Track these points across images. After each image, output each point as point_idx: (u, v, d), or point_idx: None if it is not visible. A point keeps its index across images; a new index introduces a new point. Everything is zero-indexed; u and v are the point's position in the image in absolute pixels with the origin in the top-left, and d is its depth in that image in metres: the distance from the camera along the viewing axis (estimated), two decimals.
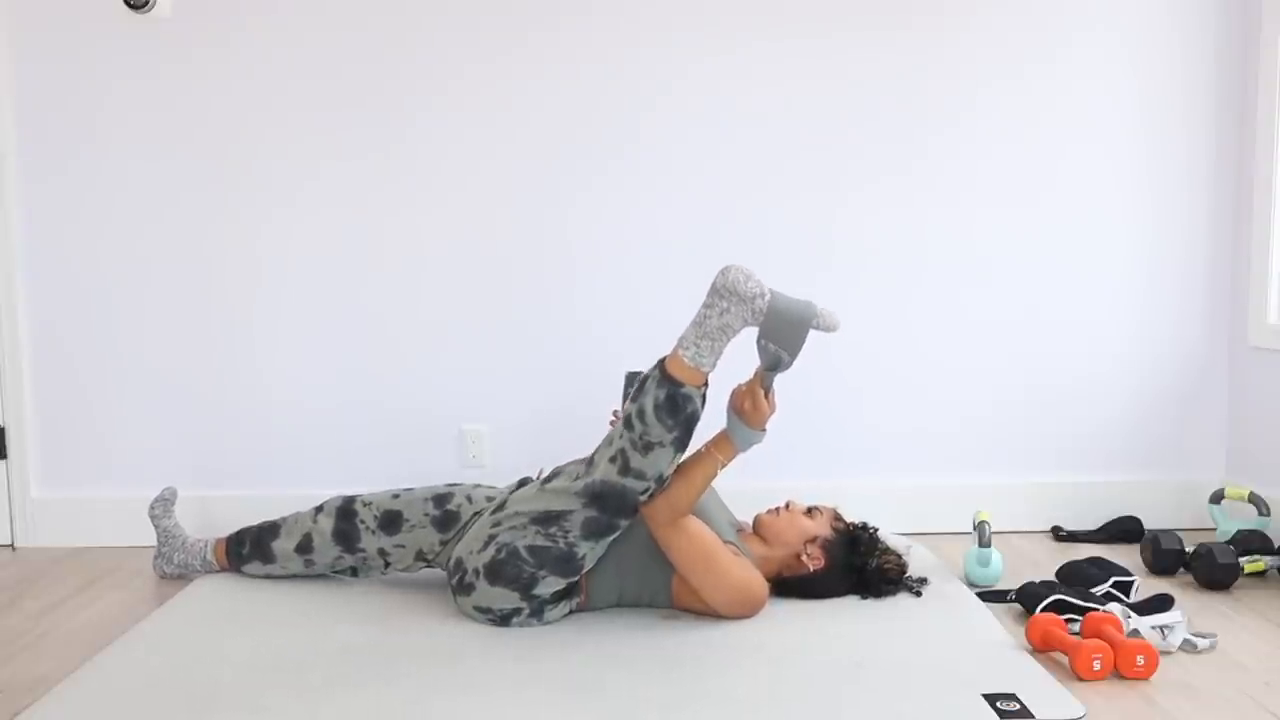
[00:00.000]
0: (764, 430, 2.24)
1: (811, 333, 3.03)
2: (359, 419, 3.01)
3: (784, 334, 2.14)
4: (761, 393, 2.21)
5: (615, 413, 2.51)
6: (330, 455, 3.01)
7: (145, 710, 1.86)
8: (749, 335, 2.21)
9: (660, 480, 2.18)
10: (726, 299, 2.13)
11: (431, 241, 2.99)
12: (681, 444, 2.16)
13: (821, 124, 3.01)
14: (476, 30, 2.94)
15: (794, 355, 2.16)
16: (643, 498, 2.19)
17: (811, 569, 2.38)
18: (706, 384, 2.17)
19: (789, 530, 2.40)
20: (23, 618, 2.39)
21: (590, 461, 2.25)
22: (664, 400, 2.13)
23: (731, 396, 2.25)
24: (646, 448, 2.14)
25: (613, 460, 2.17)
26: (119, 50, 2.88)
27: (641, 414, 2.14)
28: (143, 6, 2.83)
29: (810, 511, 2.44)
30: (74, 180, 2.92)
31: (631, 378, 2.48)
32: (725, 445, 2.24)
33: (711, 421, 2.29)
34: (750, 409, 2.21)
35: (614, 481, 2.17)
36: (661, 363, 2.17)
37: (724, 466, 2.25)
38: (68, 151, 2.91)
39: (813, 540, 2.39)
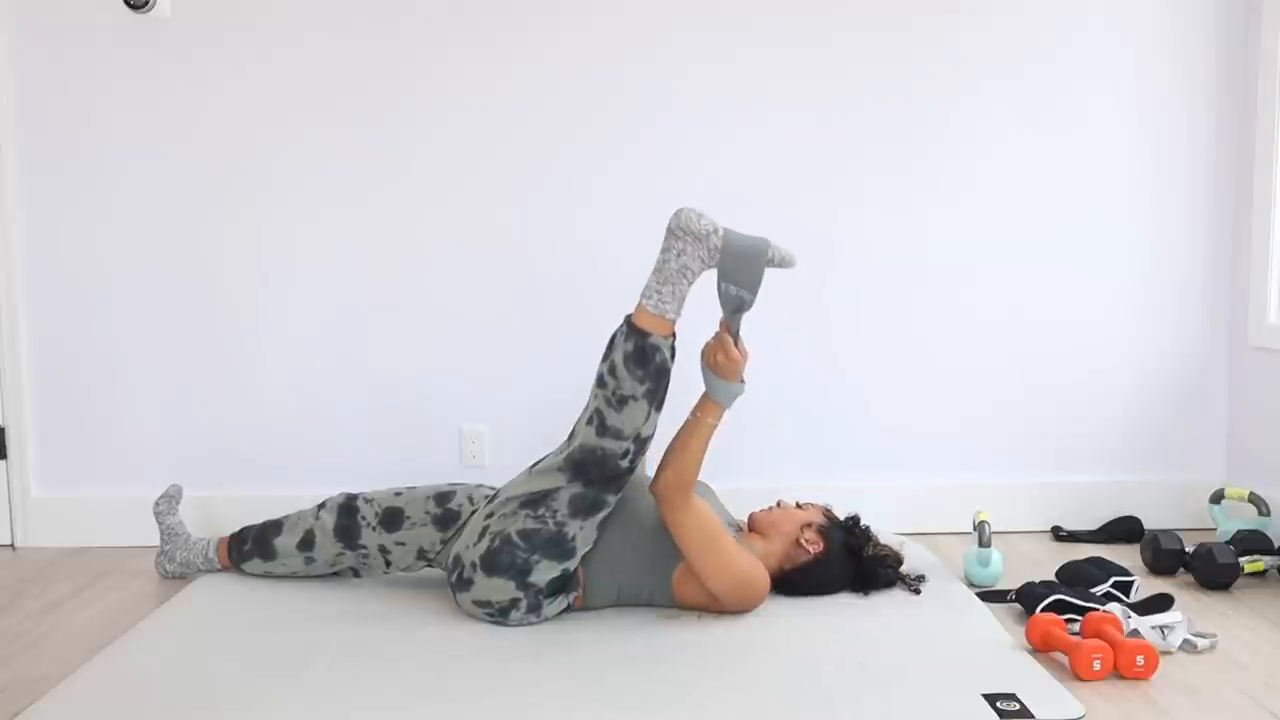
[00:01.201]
0: (743, 381, 2.25)
1: (813, 327, 3.05)
2: (359, 419, 3.01)
3: (741, 272, 2.16)
4: (731, 341, 2.21)
5: None
6: (330, 455, 3.01)
7: (145, 710, 1.86)
8: (709, 296, 2.21)
9: (638, 440, 2.19)
10: (682, 239, 2.16)
11: (432, 242, 2.99)
12: (654, 397, 2.17)
13: (822, 124, 3.01)
14: (476, 30, 2.94)
15: (753, 293, 2.17)
16: (624, 462, 2.19)
17: (811, 552, 2.39)
18: (674, 335, 2.19)
19: (785, 520, 2.42)
20: (23, 618, 2.39)
21: (571, 434, 2.27)
22: (632, 352, 2.15)
23: (703, 354, 2.25)
24: (620, 402, 2.16)
25: (589, 422, 2.20)
26: (119, 50, 2.88)
27: (612, 369, 2.17)
28: (143, 6, 2.83)
29: (800, 505, 2.48)
30: (74, 179, 2.92)
31: None
32: (709, 405, 2.25)
33: (691, 393, 2.29)
34: (724, 360, 2.21)
35: (593, 445, 2.18)
36: (627, 318, 2.19)
37: (715, 427, 2.24)
38: (68, 151, 2.91)
39: (809, 525, 2.41)
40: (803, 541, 2.39)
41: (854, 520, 2.48)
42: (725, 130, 2.99)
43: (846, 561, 2.43)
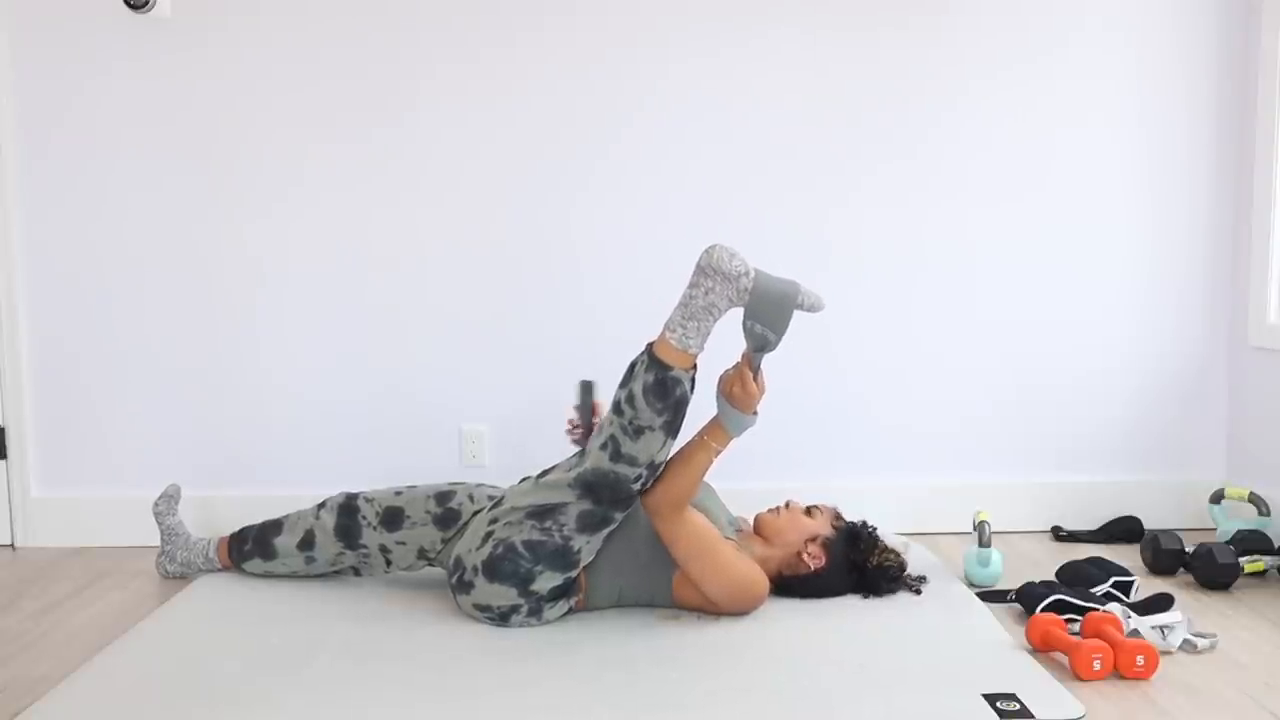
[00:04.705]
0: (755, 413, 2.25)
1: (811, 328, 3.05)
2: (359, 419, 3.01)
3: (769, 314, 2.13)
4: (750, 375, 2.21)
5: (571, 422, 2.52)
6: (330, 455, 3.01)
7: (146, 710, 1.86)
8: (734, 318, 2.20)
9: (652, 467, 2.18)
10: (711, 278, 2.13)
11: (431, 241, 2.99)
12: (671, 428, 2.16)
13: (819, 123, 3.01)
14: (470, 33, 2.94)
15: (780, 335, 2.15)
16: (635, 486, 2.19)
17: (813, 567, 2.38)
18: (695, 366, 2.18)
19: (790, 529, 2.40)
20: (23, 618, 2.39)
21: (583, 452, 2.26)
22: (653, 384, 2.13)
23: (720, 381, 2.25)
24: (637, 432, 2.14)
25: (604, 447, 2.18)
26: (119, 50, 2.88)
27: (631, 399, 2.15)
28: (143, 6, 2.83)
29: (810, 511, 2.45)
30: (74, 180, 2.92)
31: (586, 386, 2.51)
32: (718, 432, 2.24)
33: (703, 410, 2.29)
34: (740, 392, 2.21)
35: (605, 469, 2.17)
36: (649, 347, 2.17)
37: (719, 453, 2.24)
38: (68, 151, 2.91)
39: (813, 539, 2.39)
40: (805, 555, 2.38)
41: (861, 527, 2.45)
42: (721, 130, 2.99)
43: (848, 574, 2.42)
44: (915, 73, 3.01)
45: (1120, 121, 3.06)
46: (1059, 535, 3.06)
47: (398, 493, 2.48)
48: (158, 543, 2.76)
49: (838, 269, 3.03)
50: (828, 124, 3.01)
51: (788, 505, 2.45)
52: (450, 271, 3.00)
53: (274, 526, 2.54)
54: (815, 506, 2.47)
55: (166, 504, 2.69)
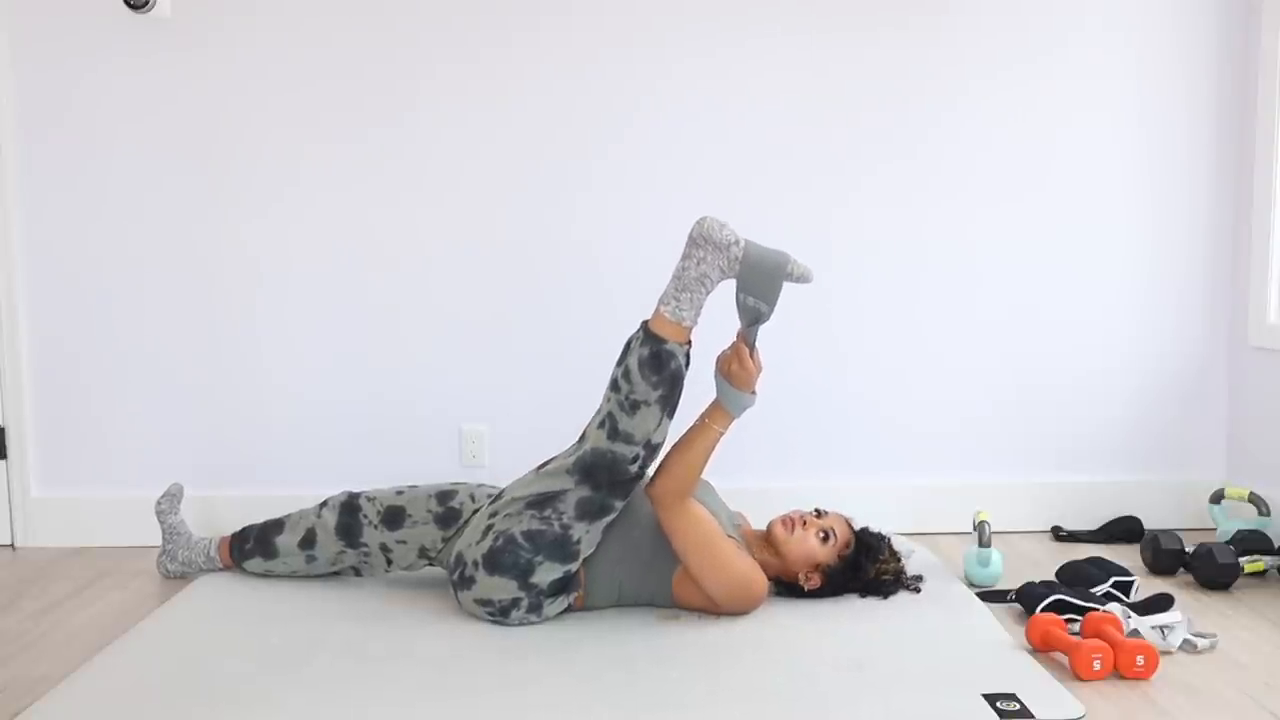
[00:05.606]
0: (754, 392, 2.26)
1: (812, 327, 3.06)
2: (359, 419, 3.01)
3: (760, 284, 2.16)
4: (746, 352, 2.23)
5: None
6: (330, 456, 3.01)
7: (145, 710, 1.86)
8: (729, 301, 2.21)
9: (649, 446, 2.19)
10: (702, 248, 2.17)
11: (431, 241, 2.99)
12: (667, 403, 2.18)
13: (819, 123, 3.01)
14: (471, 30, 2.94)
15: (772, 306, 2.18)
16: (633, 467, 2.20)
17: (806, 589, 2.39)
18: (689, 343, 2.20)
19: (796, 552, 2.36)
20: (23, 618, 2.39)
21: (581, 437, 2.27)
22: (647, 357, 2.16)
23: (718, 362, 2.27)
24: (633, 407, 2.16)
25: (601, 425, 2.20)
26: (118, 50, 2.88)
27: (627, 374, 2.17)
28: (143, 6, 2.83)
29: (827, 536, 2.37)
30: (74, 180, 2.91)
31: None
32: (719, 414, 2.26)
33: (701, 400, 2.30)
34: (738, 370, 2.23)
35: (603, 448, 2.19)
36: (645, 323, 2.19)
37: (721, 436, 2.26)
38: (68, 151, 2.91)
39: (816, 567, 2.38)
40: (802, 579, 2.38)
41: (866, 552, 2.40)
42: (719, 130, 2.99)
43: (842, 586, 2.41)
44: (915, 73, 3.01)
45: (1120, 121, 3.06)
46: (1059, 535, 3.06)
47: (399, 492, 2.49)
48: (158, 542, 2.77)
49: (838, 268, 3.03)
50: (827, 124, 3.02)
51: (805, 523, 2.38)
52: (450, 271, 3.00)
53: (276, 526, 2.54)
54: (832, 527, 2.38)
55: (169, 503, 2.69)
